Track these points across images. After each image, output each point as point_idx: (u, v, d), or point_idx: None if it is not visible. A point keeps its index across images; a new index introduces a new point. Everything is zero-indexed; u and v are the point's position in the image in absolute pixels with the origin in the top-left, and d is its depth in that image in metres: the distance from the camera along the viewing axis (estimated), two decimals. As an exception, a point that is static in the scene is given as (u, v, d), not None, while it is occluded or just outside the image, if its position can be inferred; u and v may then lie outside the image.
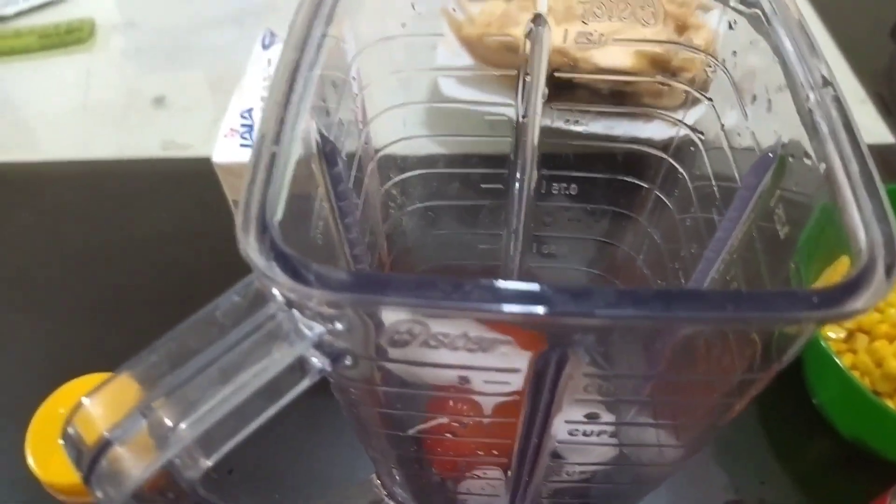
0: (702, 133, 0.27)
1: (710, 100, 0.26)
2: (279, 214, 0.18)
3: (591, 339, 0.18)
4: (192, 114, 0.59)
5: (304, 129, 0.21)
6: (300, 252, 0.17)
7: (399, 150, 0.31)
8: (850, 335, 0.39)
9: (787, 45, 0.21)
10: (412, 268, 0.35)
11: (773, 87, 0.22)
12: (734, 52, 0.25)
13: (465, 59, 0.48)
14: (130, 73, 0.63)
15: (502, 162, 0.32)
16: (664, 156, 0.29)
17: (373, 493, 0.32)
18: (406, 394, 0.23)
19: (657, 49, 0.41)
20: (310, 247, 0.23)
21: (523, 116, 0.29)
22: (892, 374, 0.36)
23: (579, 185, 0.32)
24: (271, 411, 0.19)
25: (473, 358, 0.19)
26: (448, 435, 0.25)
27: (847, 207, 0.18)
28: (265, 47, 0.44)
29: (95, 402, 0.19)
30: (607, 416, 0.24)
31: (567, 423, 0.22)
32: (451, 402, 0.24)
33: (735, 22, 0.24)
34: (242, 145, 0.39)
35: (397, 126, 0.31)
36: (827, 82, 0.19)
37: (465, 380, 0.20)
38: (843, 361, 0.36)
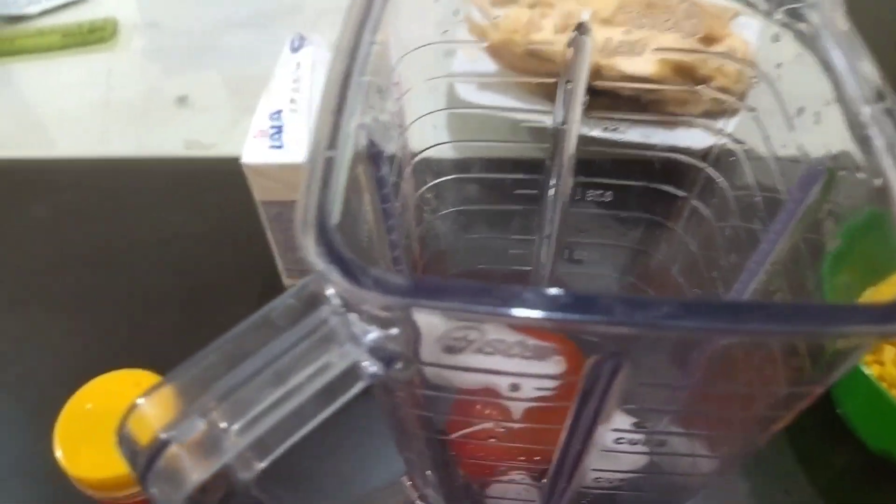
0: (743, 143, 0.27)
1: (752, 110, 0.26)
2: (336, 218, 0.19)
3: (646, 349, 0.19)
4: (214, 114, 0.59)
5: (354, 134, 0.22)
6: (354, 255, 0.18)
7: (434, 154, 0.32)
8: (878, 346, 0.39)
9: (837, 58, 0.21)
10: (444, 271, 0.35)
11: (821, 99, 0.22)
12: (778, 65, 0.25)
13: (485, 66, 0.48)
14: (152, 73, 0.63)
15: (536, 168, 0.32)
16: (702, 165, 0.29)
17: (404, 494, 0.32)
18: (451, 398, 0.23)
19: (684, 58, 0.41)
20: (359, 249, 0.23)
21: (562, 123, 0.30)
22: (919, 387, 0.36)
23: (614, 193, 0.32)
24: (325, 414, 0.20)
25: (528, 365, 0.19)
26: (492, 440, 0.25)
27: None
28: (294, 50, 0.44)
29: (150, 403, 0.19)
30: (649, 425, 0.24)
31: (613, 430, 0.22)
32: (496, 408, 0.24)
33: (779, 35, 0.24)
34: (271, 146, 0.39)
35: (433, 131, 0.31)
36: (882, 96, 0.20)
37: (515, 386, 0.21)
38: (870, 372, 0.36)
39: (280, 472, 0.19)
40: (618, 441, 0.22)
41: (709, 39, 0.43)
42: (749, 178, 0.27)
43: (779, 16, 0.24)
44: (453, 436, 0.25)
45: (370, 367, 0.20)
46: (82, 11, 0.68)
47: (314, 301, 0.19)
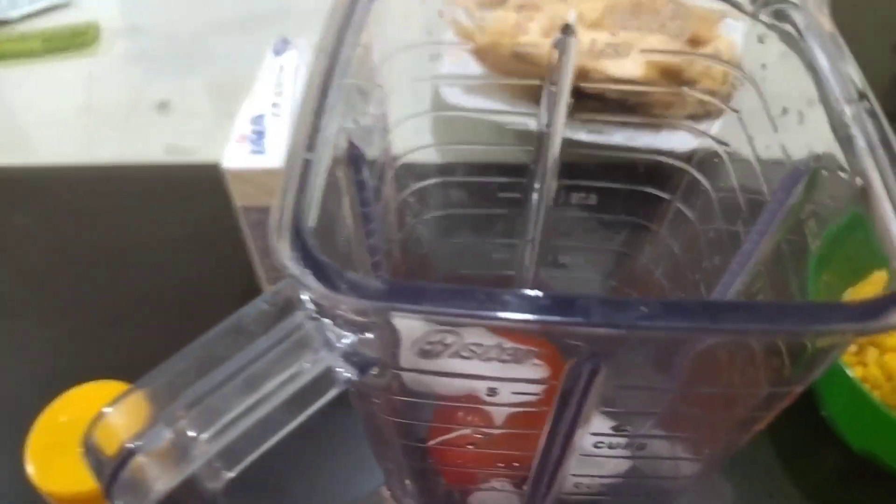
0: (727, 144, 0.27)
1: (736, 111, 0.26)
2: (312, 221, 0.18)
3: (626, 351, 0.18)
4: (196, 119, 0.59)
5: (334, 137, 0.21)
6: (330, 259, 0.17)
7: (418, 157, 0.31)
8: (861, 348, 0.39)
9: (821, 59, 0.21)
10: (427, 276, 0.35)
11: (804, 99, 0.22)
12: (763, 66, 0.25)
13: (470, 68, 0.48)
14: (135, 78, 0.63)
15: (520, 171, 0.32)
16: (686, 167, 0.29)
17: (383, 504, 0.31)
18: (429, 404, 0.22)
19: (671, 59, 0.41)
20: (336, 254, 0.22)
21: (547, 126, 0.29)
22: (904, 388, 0.36)
23: (598, 196, 0.31)
24: (297, 422, 0.19)
25: (505, 369, 0.19)
26: (470, 446, 0.24)
27: (886, 222, 0.18)
28: (277, 54, 0.44)
29: (118, 412, 0.18)
30: (630, 429, 0.24)
31: (592, 434, 0.21)
32: (474, 413, 0.23)
33: (764, 36, 0.24)
34: (253, 151, 0.38)
35: (416, 134, 0.31)
36: (863, 96, 0.19)
37: (493, 391, 0.20)
38: (854, 374, 0.35)
39: (250, 482, 0.19)
40: (597, 445, 0.22)
41: (695, 42, 0.43)
42: (733, 179, 0.26)
43: (764, 17, 0.24)
44: (430, 443, 0.24)
45: (344, 372, 0.19)
46: (64, 16, 0.67)
47: (288, 306, 0.19)
